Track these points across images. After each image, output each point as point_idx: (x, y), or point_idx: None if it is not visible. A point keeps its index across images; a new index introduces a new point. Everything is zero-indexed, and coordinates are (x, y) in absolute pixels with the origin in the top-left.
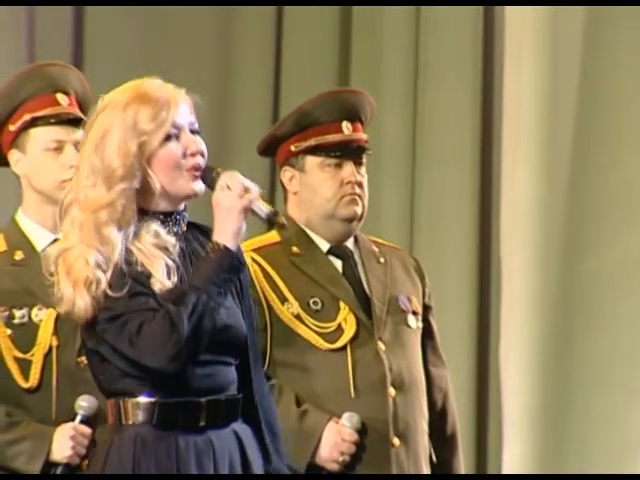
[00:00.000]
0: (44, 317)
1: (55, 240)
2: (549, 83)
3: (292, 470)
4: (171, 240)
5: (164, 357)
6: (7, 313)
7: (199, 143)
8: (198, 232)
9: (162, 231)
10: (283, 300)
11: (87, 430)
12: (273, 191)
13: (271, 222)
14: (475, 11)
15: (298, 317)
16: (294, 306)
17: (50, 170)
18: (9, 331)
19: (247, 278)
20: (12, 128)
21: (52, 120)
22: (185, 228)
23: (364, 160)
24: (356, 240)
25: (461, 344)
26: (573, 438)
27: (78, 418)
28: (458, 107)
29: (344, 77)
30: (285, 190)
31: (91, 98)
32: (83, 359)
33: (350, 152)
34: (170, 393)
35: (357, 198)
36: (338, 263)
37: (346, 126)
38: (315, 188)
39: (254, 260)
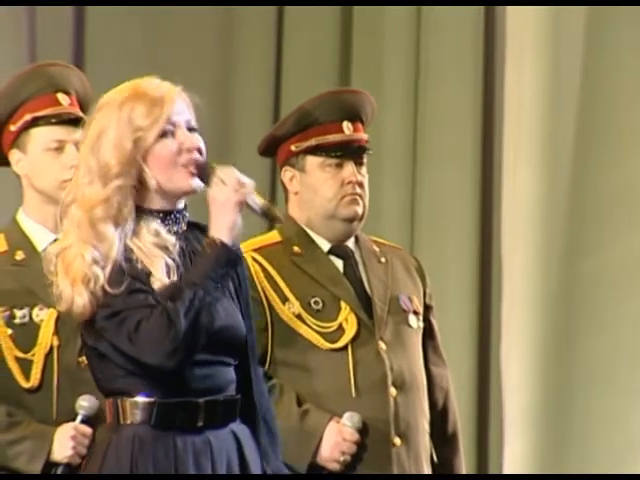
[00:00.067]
0: (45, 317)
1: (56, 240)
2: (550, 83)
3: (291, 471)
4: (171, 239)
5: (162, 353)
6: (8, 313)
7: (195, 139)
8: (198, 231)
9: (162, 230)
10: (284, 300)
11: (88, 430)
12: (274, 191)
13: (266, 215)
14: (476, 11)
15: (299, 317)
16: (295, 306)
17: (51, 170)
18: (10, 331)
19: (246, 278)
20: (13, 128)
21: (53, 120)
22: (185, 227)
23: (365, 160)
24: (357, 240)
25: (462, 343)
26: (574, 437)
27: (79, 418)
28: (459, 107)
29: (345, 77)
30: (286, 190)
31: (92, 98)
32: (84, 359)
33: (351, 152)
34: (168, 393)
35: (358, 198)
36: (339, 263)
37: (347, 126)
38: (316, 188)
39: (255, 260)
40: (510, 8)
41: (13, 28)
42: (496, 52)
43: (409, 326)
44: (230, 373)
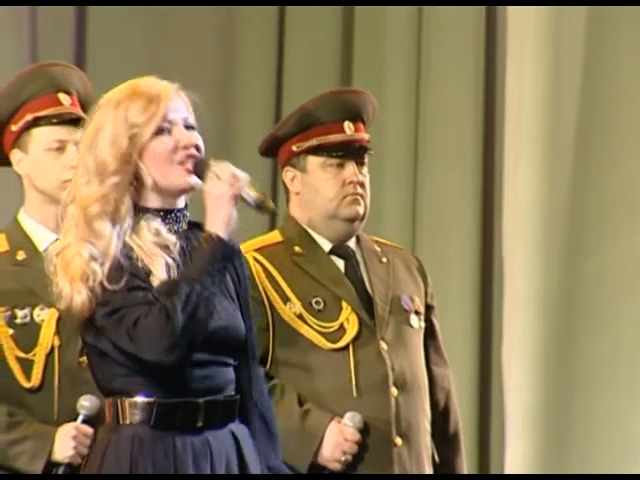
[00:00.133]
0: (46, 317)
1: (57, 240)
2: (551, 83)
3: (292, 471)
4: (172, 238)
5: (161, 349)
6: (9, 313)
7: (192, 137)
8: (199, 231)
9: (163, 229)
10: (285, 300)
11: (89, 430)
12: (275, 191)
13: (260, 208)
14: (477, 11)
15: (300, 317)
16: (296, 306)
17: (52, 170)
18: (11, 331)
19: (246, 277)
20: (14, 128)
21: (54, 120)
22: (186, 226)
23: (366, 160)
24: (358, 240)
25: (463, 344)
26: (575, 438)
27: (80, 418)
28: (460, 107)
29: (346, 77)
30: (287, 190)
31: (93, 98)
32: (85, 359)
33: (352, 152)
34: (168, 393)
35: (359, 198)
36: (340, 263)
37: (348, 126)
38: (317, 188)
39: (256, 260)
40: (511, 8)
41: (15, 28)
42: (497, 52)
43: (410, 326)
44: (230, 373)
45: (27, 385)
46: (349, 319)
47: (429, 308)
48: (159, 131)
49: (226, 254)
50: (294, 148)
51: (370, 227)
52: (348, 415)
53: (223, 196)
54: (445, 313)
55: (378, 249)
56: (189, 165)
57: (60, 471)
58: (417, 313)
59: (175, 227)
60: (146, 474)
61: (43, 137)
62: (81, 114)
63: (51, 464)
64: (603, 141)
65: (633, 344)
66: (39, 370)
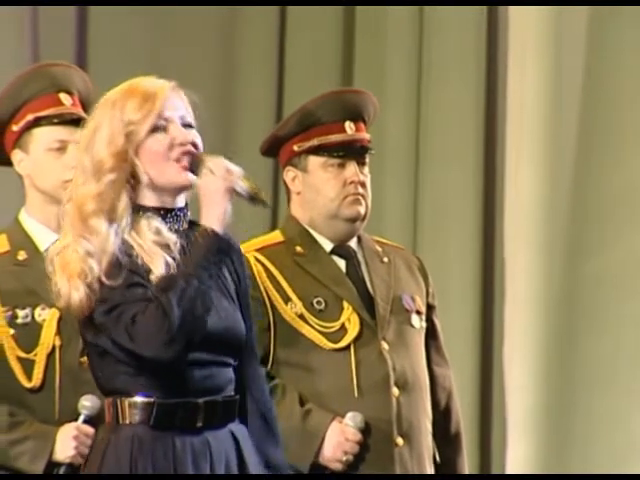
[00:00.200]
0: (47, 317)
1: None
2: (553, 83)
3: (293, 471)
4: (172, 237)
5: (159, 345)
6: (10, 313)
7: (188, 134)
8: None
9: (163, 228)
10: (286, 300)
11: (90, 430)
12: (276, 191)
13: (253, 200)
14: (479, 11)
15: (302, 317)
16: (297, 306)
17: (53, 170)
18: (12, 331)
19: (247, 277)
20: (15, 128)
21: (55, 120)
22: (186, 226)
23: (367, 160)
24: (359, 240)
25: (465, 344)
26: (577, 438)
27: (81, 418)
28: (461, 107)
29: (347, 77)
30: (288, 190)
31: (94, 98)
32: (86, 359)
33: (353, 152)
34: (168, 393)
35: (360, 198)
36: (341, 263)
37: (349, 126)
38: (318, 188)
39: (257, 260)
40: (512, 8)
41: (16, 28)
42: (498, 52)
43: (412, 326)
44: (229, 373)
45: (28, 385)
46: (350, 319)
47: (430, 308)
48: (155, 128)
49: (221, 248)
50: (295, 148)
51: (371, 227)
52: (349, 415)
53: (217, 190)
54: (446, 313)
55: (379, 249)
56: (185, 162)
57: (61, 471)
58: (418, 313)
59: (176, 226)
60: (146, 474)
61: (44, 137)
62: (82, 114)
63: (52, 464)
64: (604, 141)
65: (634, 344)
66: (40, 370)
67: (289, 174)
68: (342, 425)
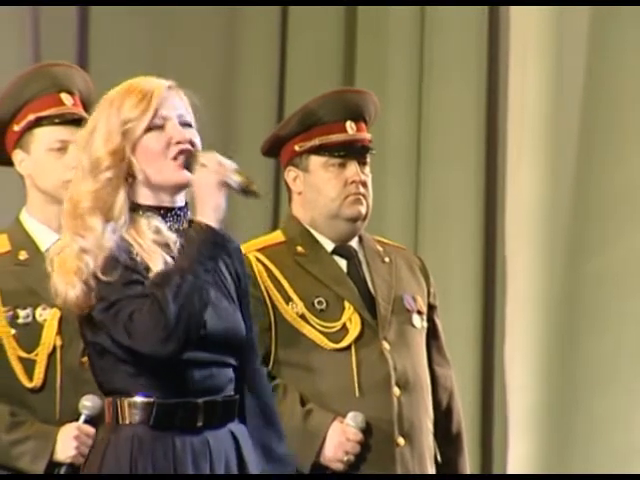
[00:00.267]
0: (48, 317)
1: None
2: (554, 83)
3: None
4: (172, 237)
5: (156, 341)
6: (11, 313)
7: (185, 132)
8: None
9: (164, 227)
10: (288, 300)
11: (91, 430)
12: (277, 191)
13: (244, 192)
14: (480, 11)
15: (303, 317)
16: (299, 306)
17: (54, 170)
18: (13, 331)
19: (247, 278)
20: (16, 128)
21: (56, 120)
22: (187, 225)
23: (368, 160)
24: (361, 240)
25: (466, 343)
26: (578, 438)
27: (82, 418)
28: (463, 107)
29: (349, 77)
30: (289, 190)
31: (95, 98)
32: (87, 359)
33: (354, 152)
34: (167, 393)
35: (361, 198)
36: (343, 263)
37: (350, 126)
38: (319, 188)
39: (258, 260)
40: (514, 8)
41: (17, 28)
42: (500, 52)
43: (413, 326)
44: (229, 373)
45: (29, 385)
46: (351, 319)
47: (431, 308)
48: (152, 127)
49: (217, 242)
50: (296, 148)
51: (372, 227)
52: (350, 415)
53: (210, 184)
54: (448, 313)
55: (380, 249)
56: (182, 161)
57: (62, 471)
58: (419, 313)
59: (176, 225)
60: (146, 474)
61: (45, 137)
62: (83, 114)
63: (53, 464)
64: (605, 140)
65: (635, 343)
66: (41, 370)
67: (290, 174)
68: (343, 425)
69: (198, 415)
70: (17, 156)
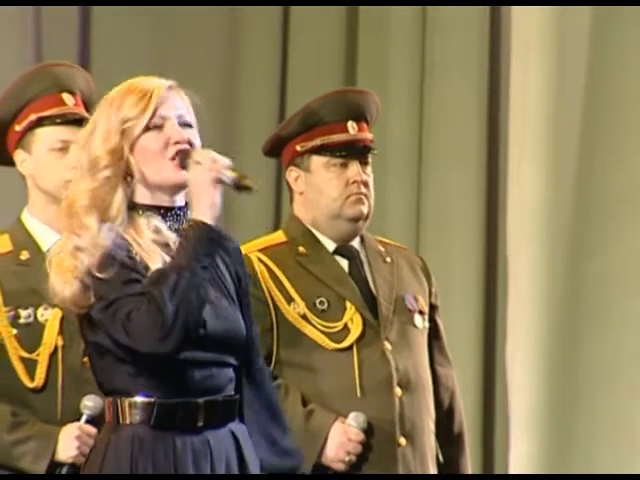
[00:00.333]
0: (50, 317)
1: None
2: (555, 83)
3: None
4: (172, 236)
5: (154, 340)
6: (13, 313)
7: (183, 133)
8: None
9: (163, 227)
10: (289, 300)
11: (92, 430)
12: (279, 191)
13: (238, 187)
14: (482, 11)
15: (304, 317)
16: (300, 306)
17: (55, 170)
18: (15, 331)
19: (247, 278)
20: (18, 128)
21: (58, 120)
22: (186, 225)
23: (370, 160)
24: (362, 240)
25: (468, 343)
26: (579, 438)
27: (83, 418)
28: (464, 107)
29: (350, 77)
30: (291, 190)
31: (97, 98)
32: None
33: (356, 152)
34: (168, 393)
35: (363, 197)
36: (344, 263)
37: (351, 126)
38: (321, 188)
39: (260, 260)
40: (515, 8)
41: (19, 28)
42: (501, 52)
43: (414, 326)
44: (229, 373)
45: (31, 385)
46: (353, 319)
47: (433, 308)
48: (150, 126)
49: (213, 238)
50: (298, 148)
51: (374, 227)
52: (352, 415)
53: (204, 182)
54: (449, 313)
55: (382, 249)
56: (180, 161)
57: (63, 471)
58: (421, 313)
59: (176, 225)
60: (146, 474)
61: (47, 137)
62: (85, 114)
63: (55, 464)
64: (607, 140)
65: (637, 343)
66: (43, 370)
67: (292, 174)
68: (345, 425)
69: (198, 415)
70: (19, 156)
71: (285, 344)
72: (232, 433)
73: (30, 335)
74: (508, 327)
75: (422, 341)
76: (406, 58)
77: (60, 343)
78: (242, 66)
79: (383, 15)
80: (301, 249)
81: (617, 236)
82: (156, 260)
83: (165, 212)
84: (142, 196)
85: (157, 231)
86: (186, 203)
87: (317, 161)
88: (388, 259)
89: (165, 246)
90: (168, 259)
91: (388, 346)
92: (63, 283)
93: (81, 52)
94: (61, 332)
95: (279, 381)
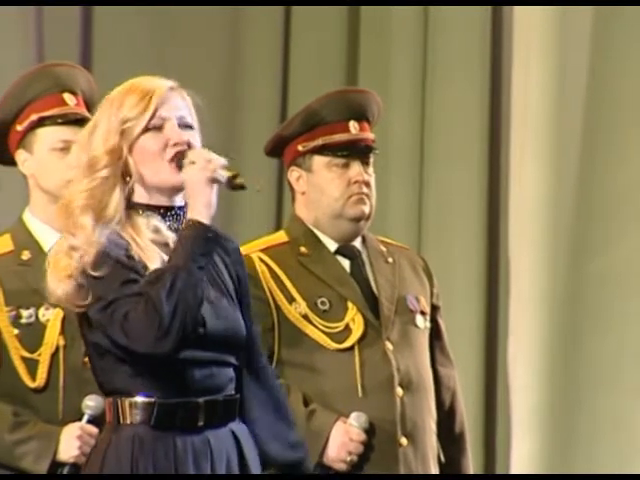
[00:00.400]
0: (51, 317)
1: None
2: (557, 83)
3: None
4: (171, 236)
5: (151, 340)
6: (14, 313)
7: (182, 134)
8: None
9: (163, 227)
10: (291, 300)
11: (94, 430)
12: (281, 191)
13: (232, 186)
14: (483, 11)
15: (306, 317)
16: (302, 306)
17: (57, 170)
18: (16, 331)
19: (247, 278)
20: (19, 128)
21: (59, 120)
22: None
23: (371, 160)
24: (364, 240)
25: (469, 343)
26: (581, 438)
27: (85, 418)
28: (466, 107)
29: (352, 77)
30: (293, 190)
31: (98, 98)
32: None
33: (357, 152)
34: (168, 393)
35: (364, 197)
36: (346, 263)
37: (353, 125)
38: (322, 188)
39: (262, 260)
40: (517, 8)
41: (21, 28)
42: (503, 52)
43: (416, 326)
44: (230, 373)
45: (32, 385)
46: (355, 319)
47: (435, 308)
48: (150, 127)
49: (209, 238)
50: (300, 148)
51: (376, 227)
52: (354, 415)
53: (199, 181)
54: (451, 313)
55: (384, 249)
56: (176, 161)
57: (65, 471)
58: (423, 313)
59: (175, 225)
60: (147, 474)
61: (48, 137)
62: (86, 114)
63: (56, 464)
64: (608, 140)
65: (639, 343)
66: (44, 370)
67: (293, 174)
68: (346, 425)
69: (199, 415)
70: (20, 156)
71: (286, 344)
72: (233, 433)
73: (31, 335)
74: (510, 327)
75: (423, 341)
76: (408, 58)
77: (62, 343)
78: (244, 66)
79: (385, 15)
80: (303, 249)
81: (618, 236)
82: (155, 260)
83: (165, 212)
84: (141, 196)
85: (156, 230)
86: (186, 203)
87: (319, 161)
88: (390, 259)
89: (164, 246)
90: (167, 258)
91: (389, 346)
92: (57, 282)
93: (83, 52)
94: (62, 332)
95: (280, 381)
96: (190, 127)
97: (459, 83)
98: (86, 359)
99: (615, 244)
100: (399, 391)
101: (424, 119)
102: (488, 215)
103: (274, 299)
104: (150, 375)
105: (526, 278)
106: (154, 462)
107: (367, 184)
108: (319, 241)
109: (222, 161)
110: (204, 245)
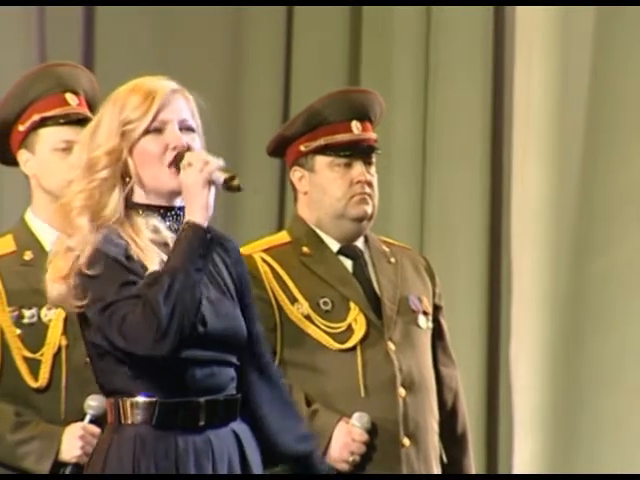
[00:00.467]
0: (53, 317)
1: None
2: (559, 83)
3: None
4: (171, 236)
5: (149, 343)
6: (16, 313)
7: (183, 138)
8: None
9: (162, 227)
10: (293, 300)
11: (96, 430)
12: (283, 191)
13: (229, 188)
14: (486, 11)
15: (308, 317)
16: (304, 306)
17: (59, 170)
18: (18, 331)
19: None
20: (21, 128)
21: (61, 120)
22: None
23: (374, 160)
24: (366, 240)
25: (471, 344)
26: (583, 437)
27: (87, 418)
28: (468, 107)
29: (354, 77)
30: (295, 190)
31: (100, 98)
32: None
33: (360, 152)
34: (169, 393)
35: (367, 197)
36: (348, 263)
37: (355, 126)
38: (325, 188)
39: (264, 260)
40: (519, 8)
41: (23, 28)
42: (505, 52)
43: (418, 326)
44: (231, 372)
45: (34, 385)
46: (357, 319)
47: (437, 308)
48: (150, 130)
49: (206, 240)
50: (302, 148)
51: (378, 227)
52: (356, 415)
53: (196, 183)
54: (453, 313)
55: (386, 249)
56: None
57: (67, 471)
58: (425, 313)
59: (175, 225)
60: (148, 474)
61: (50, 137)
62: (88, 114)
63: (58, 464)
64: (611, 140)
65: None
66: (46, 370)
67: (296, 174)
68: (349, 426)
69: (200, 414)
70: (22, 156)
71: (289, 344)
72: (234, 432)
73: (34, 335)
74: (512, 327)
75: (426, 341)
76: (410, 58)
77: (64, 343)
78: (246, 66)
79: (387, 15)
80: (305, 249)
81: (621, 236)
82: (154, 260)
83: (165, 212)
84: (140, 196)
85: (156, 231)
86: None
87: (321, 161)
88: (392, 259)
89: (164, 246)
90: (165, 258)
91: (392, 346)
92: (51, 283)
93: (85, 52)
94: (65, 332)
95: (282, 381)
96: (191, 130)
97: (461, 83)
98: (88, 359)
99: (617, 244)
100: (401, 391)
101: (426, 119)
102: (490, 215)
103: (276, 299)
104: (150, 375)
105: (528, 278)
106: (156, 462)
107: (369, 184)
108: (321, 241)
109: (219, 163)
110: (201, 247)
